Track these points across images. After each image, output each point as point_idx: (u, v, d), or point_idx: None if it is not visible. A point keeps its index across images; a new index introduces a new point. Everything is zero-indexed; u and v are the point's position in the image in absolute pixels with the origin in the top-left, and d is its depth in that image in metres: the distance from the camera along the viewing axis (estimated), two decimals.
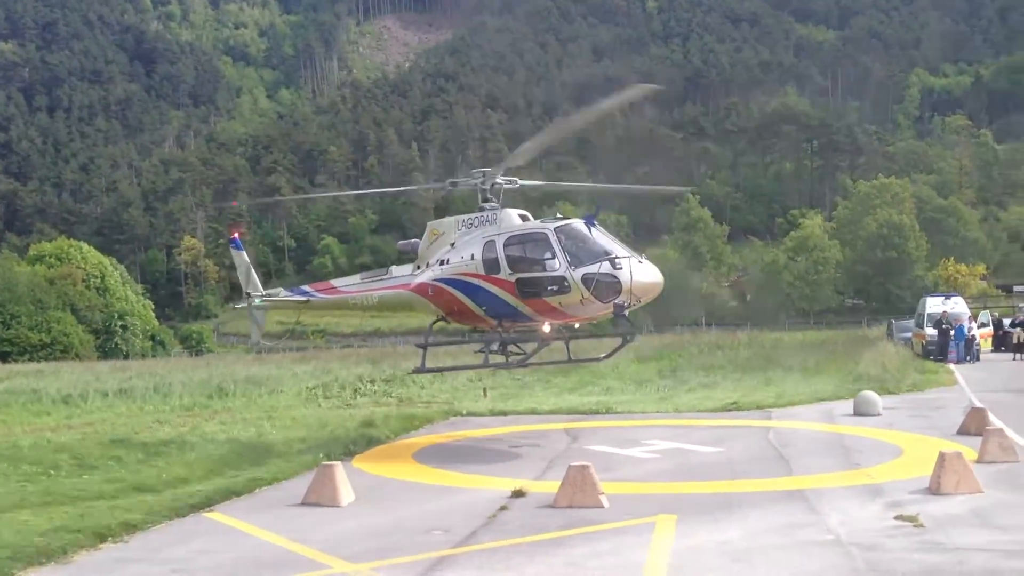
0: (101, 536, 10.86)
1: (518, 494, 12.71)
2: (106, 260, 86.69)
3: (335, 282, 21.20)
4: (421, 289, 18.16)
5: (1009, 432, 15.40)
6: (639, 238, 67.21)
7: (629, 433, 18.96)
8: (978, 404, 19.66)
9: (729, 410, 22.39)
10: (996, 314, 49.77)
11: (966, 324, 37.18)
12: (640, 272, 15.71)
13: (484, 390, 26.45)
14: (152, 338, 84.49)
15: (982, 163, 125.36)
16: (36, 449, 17.01)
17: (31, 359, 61.36)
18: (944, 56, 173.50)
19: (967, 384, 26.79)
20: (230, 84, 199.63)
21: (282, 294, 22.25)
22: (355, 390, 30.26)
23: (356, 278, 20.63)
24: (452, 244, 17.81)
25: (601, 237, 16.27)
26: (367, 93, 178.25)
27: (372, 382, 31.92)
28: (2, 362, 58.32)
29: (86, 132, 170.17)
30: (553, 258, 16.14)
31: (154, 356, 72.91)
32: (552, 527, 10.78)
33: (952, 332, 36.11)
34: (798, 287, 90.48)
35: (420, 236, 19.03)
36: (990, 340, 41.48)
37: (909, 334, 41.87)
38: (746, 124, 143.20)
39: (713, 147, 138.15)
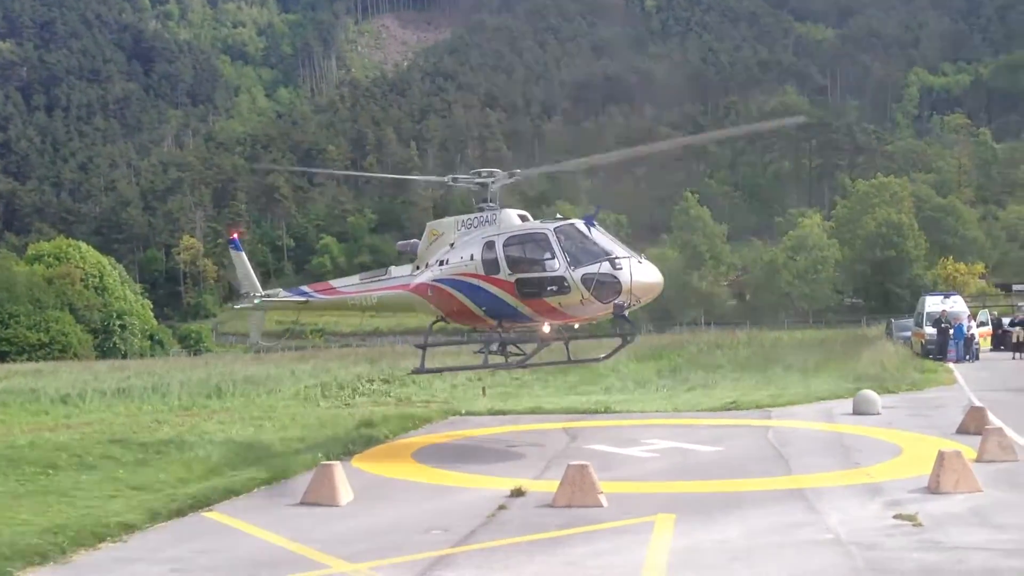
0: (100, 536, 10.83)
1: (517, 493, 12.70)
2: (105, 259, 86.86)
3: (334, 282, 21.13)
4: (420, 289, 18.12)
5: (1008, 431, 15.40)
6: (639, 238, 67.15)
7: (628, 432, 18.94)
8: (977, 403, 19.66)
9: (728, 409, 22.35)
10: (995, 313, 49.85)
11: (965, 323, 37.21)
12: (640, 272, 15.68)
13: (483, 389, 26.47)
14: (151, 338, 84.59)
15: (981, 162, 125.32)
16: (34, 449, 16.93)
17: (29, 359, 61.44)
18: (943, 55, 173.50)
19: (966, 383, 26.78)
20: (228, 83, 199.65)
21: (281, 295, 22.17)
22: (354, 390, 30.17)
23: (355, 278, 20.56)
24: (451, 244, 17.76)
25: (601, 237, 16.24)
26: (366, 92, 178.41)
27: (371, 382, 31.83)
28: (0, 361, 58.32)
29: (84, 131, 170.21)
30: (553, 258, 16.10)
31: (153, 356, 72.95)
32: (551, 526, 10.77)
33: (951, 331, 36.12)
34: (797, 286, 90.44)
35: (419, 236, 18.99)
36: (989, 339, 41.55)
37: (908, 333, 41.93)
38: (745, 123, 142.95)
39: (712, 146, 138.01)
